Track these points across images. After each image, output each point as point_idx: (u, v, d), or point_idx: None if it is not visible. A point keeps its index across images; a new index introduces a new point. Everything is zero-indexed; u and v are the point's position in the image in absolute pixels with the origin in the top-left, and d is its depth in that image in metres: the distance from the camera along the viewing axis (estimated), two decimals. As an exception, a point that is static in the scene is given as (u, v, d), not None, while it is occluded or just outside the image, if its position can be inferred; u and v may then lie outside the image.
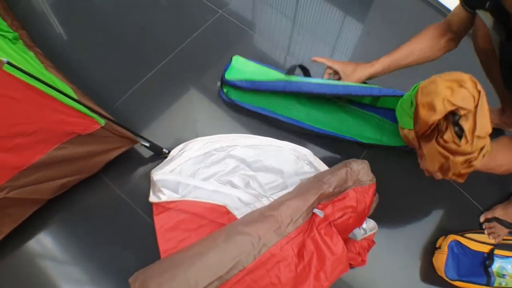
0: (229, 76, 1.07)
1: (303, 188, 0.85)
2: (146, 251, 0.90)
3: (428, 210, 1.05)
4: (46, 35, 1.22)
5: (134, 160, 1.00)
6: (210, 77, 1.16)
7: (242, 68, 1.11)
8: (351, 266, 0.89)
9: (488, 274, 0.94)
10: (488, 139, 0.68)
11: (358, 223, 0.87)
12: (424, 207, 1.05)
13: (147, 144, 0.92)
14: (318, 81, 0.99)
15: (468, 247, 0.97)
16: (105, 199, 0.98)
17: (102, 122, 0.84)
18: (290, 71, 1.02)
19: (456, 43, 0.95)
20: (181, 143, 0.99)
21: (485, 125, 0.67)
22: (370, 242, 0.91)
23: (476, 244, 0.97)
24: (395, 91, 0.94)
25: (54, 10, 1.30)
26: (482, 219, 1.04)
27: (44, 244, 0.94)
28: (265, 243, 0.78)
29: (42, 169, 0.82)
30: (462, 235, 0.98)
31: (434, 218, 1.04)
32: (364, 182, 0.85)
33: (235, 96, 1.09)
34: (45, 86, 0.69)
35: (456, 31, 0.92)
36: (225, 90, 1.10)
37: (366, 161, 0.87)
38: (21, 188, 0.82)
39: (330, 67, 0.98)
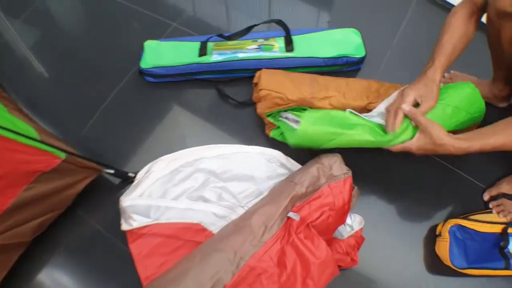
0: (145, 64, 1.10)
1: (274, 192, 0.80)
2: (129, 281, 0.86)
3: (421, 196, 0.98)
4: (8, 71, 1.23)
5: (104, 188, 0.97)
6: (171, 91, 1.15)
7: (156, 50, 1.12)
8: (341, 268, 0.83)
9: (505, 257, 0.85)
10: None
11: (340, 221, 0.81)
12: (415, 193, 0.98)
13: (111, 171, 0.89)
14: (225, 59, 1.08)
15: (475, 230, 0.88)
16: (82, 233, 0.95)
17: (63, 155, 0.84)
18: (203, 50, 1.09)
19: (480, 20, 0.89)
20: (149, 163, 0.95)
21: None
22: (358, 239, 0.84)
23: (484, 225, 0.89)
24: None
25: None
26: (486, 197, 0.96)
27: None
28: (241, 257, 0.73)
29: (16, 212, 0.82)
30: (465, 218, 0.90)
31: (429, 203, 0.97)
32: (338, 177, 0.79)
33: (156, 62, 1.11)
34: (4, 130, 0.70)
35: (481, 6, 0.85)
36: (143, 65, 1.10)
37: (338, 154, 0.82)
38: (1, 235, 0.81)
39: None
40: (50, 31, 1.32)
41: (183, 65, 1.08)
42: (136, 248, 0.86)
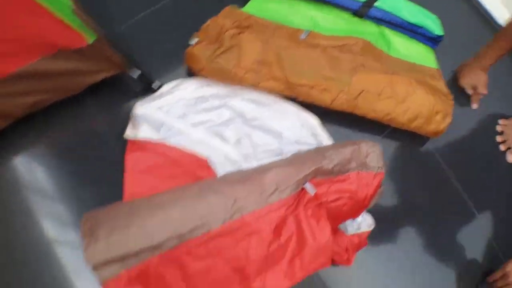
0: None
1: (298, 158, 0.72)
2: (111, 191, 0.78)
3: (442, 248, 0.90)
4: None
5: (120, 88, 0.87)
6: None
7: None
8: (334, 262, 0.77)
9: None
10: None
11: (354, 214, 0.74)
12: (435, 244, 0.91)
13: (135, 75, 0.80)
14: None
15: None
16: (76, 128, 0.86)
17: (92, 38, 0.73)
18: None
19: None
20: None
21: None
22: (362, 241, 0.77)
23: None
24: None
25: None
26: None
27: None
28: (240, 208, 0.66)
29: (18, 82, 0.72)
30: None
31: (446, 261, 0.89)
32: (371, 168, 0.72)
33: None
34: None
35: None
36: None
37: (379, 145, 0.74)
38: None
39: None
40: None
41: None
42: (131, 160, 0.78)
